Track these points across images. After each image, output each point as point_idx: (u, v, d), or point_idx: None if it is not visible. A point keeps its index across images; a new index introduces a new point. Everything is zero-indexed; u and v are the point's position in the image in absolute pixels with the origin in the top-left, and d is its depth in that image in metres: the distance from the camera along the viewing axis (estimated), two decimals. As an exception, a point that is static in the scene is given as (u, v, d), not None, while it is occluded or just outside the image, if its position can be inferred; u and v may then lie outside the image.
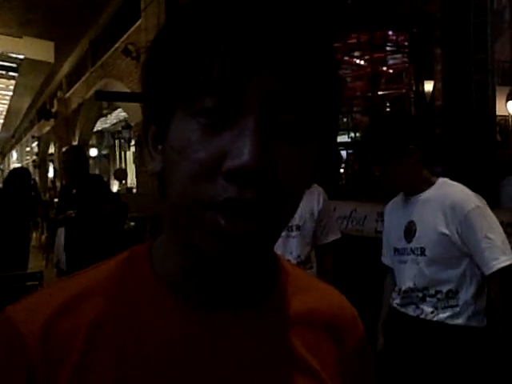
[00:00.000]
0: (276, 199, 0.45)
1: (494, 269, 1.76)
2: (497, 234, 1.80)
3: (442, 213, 1.85)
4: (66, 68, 15.75)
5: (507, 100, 5.21)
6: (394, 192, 2.10)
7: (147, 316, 0.50)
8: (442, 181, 1.95)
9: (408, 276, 1.95)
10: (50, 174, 19.31)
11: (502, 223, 1.92)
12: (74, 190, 4.32)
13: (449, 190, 1.89)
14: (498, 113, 3.40)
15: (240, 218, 0.44)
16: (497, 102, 3.27)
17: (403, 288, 1.97)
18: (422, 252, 1.91)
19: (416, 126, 2.07)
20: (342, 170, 6.53)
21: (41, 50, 13.22)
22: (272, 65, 0.44)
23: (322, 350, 0.56)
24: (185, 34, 0.46)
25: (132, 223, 7.26)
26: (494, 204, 2.71)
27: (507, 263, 1.76)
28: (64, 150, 5.37)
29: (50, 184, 18.48)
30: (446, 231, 1.84)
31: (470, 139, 3.05)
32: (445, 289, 1.87)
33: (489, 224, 1.81)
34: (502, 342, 1.81)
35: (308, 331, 0.56)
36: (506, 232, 1.89)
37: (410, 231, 1.95)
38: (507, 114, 5.42)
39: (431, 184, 1.93)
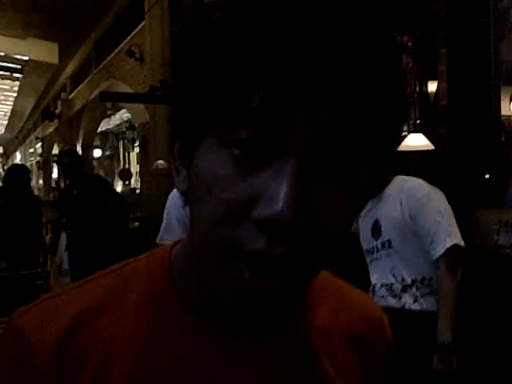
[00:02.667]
0: (310, 254, 0.40)
1: (443, 250, 1.85)
2: (445, 217, 1.90)
3: (398, 202, 1.99)
4: (69, 69, 15.78)
5: (511, 100, 5.20)
6: None
7: (165, 335, 0.47)
8: (399, 177, 2.08)
9: (386, 270, 2.05)
10: (54, 174, 19.34)
11: (506, 223, 1.95)
12: (75, 191, 4.34)
13: (404, 182, 2.04)
14: (502, 113, 3.40)
15: (267, 274, 0.39)
16: (501, 102, 3.27)
17: (384, 282, 2.05)
18: (389, 244, 2.03)
19: None
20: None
21: (45, 52, 13.26)
22: (327, 96, 0.37)
23: (347, 364, 0.53)
24: (226, 52, 0.39)
25: (136, 223, 7.27)
26: (499, 204, 2.72)
27: (452, 243, 1.85)
28: (59, 153, 5.43)
29: (54, 184, 18.51)
30: (402, 218, 1.97)
31: (475, 139, 3.05)
32: (419, 277, 1.97)
33: (437, 208, 1.92)
34: (444, 325, 1.82)
35: (336, 345, 0.53)
36: (510, 232, 1.93)
37: (375, 229, 2.09)
38: (511, 114, 5.41)
39: (389, 183, 2.06)
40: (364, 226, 2.16)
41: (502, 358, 2.43)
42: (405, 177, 2.08)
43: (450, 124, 3.46)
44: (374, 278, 2.10)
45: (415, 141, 3.21)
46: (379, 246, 2.07)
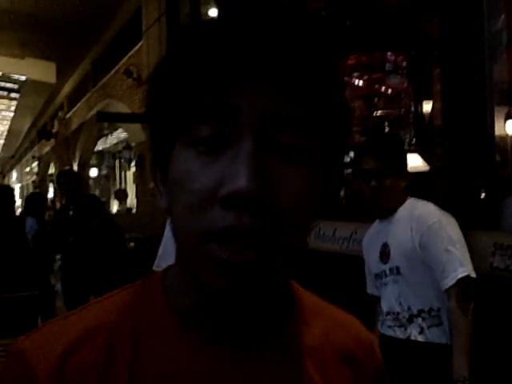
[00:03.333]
0: (276, 224, 0.43)
1: (454, 281, 1.78)
2: (457, 246, 1.82)
3: (409, 228, 1.90)
4: (67, 88, 15.87)
5: (506, 120, 5.23)
6: (372, 209, 2.11)
7: (161, 351, 0.48)
8: (411, 200, 1.99)
9: (392, 298, 1.97)
10: (50, 194, 19.30)
11: (501, 246, 1.92)
12: (71, 212, 4.33)
13: (415, 206, 1.95)
14: (496, 133, 3.41)
15: (238, 245, 0.42)
16: (495, 121, 3.27)
17: (391, 311, 1.97)
18: (398, 271, 1.94)
19: (396, 145, 2.10)
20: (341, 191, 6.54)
21: (43, 71, 13.34)
22: (267, 85, 0.43)
23: (339, 382, 0.54)
24: (178, 63, 0.46)
25: (132, 243, 7.23)
26: (495, 225, 2.70)
27: (464, 274, 1.78)
28: (58, 173, 5.41)
29: (49, 204, 18.47)
30: (412, 245, 1.88)
31: (470, 159, 3.05)
32: (426, 307, 1.88)
33: (449, 237, 1.83)
34: (460, 361, 1.75)
35: (326, 363, 0.54)
36: (506, 255, 1.89)
37: (384, 253, 1.99)
38: (506, 134, 5.44)
39: (402, 203, 1.98)
40: (372, 247, 2.06)
41: (498, 380, 2.40)
42: (417, 201, 1.99)
43: (445, 144, 3.46)
44: (383, 304, 2.03)
45: (411, 161, 3.20)
46: (387, 272, 1.98)
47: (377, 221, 2.09)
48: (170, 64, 0.47)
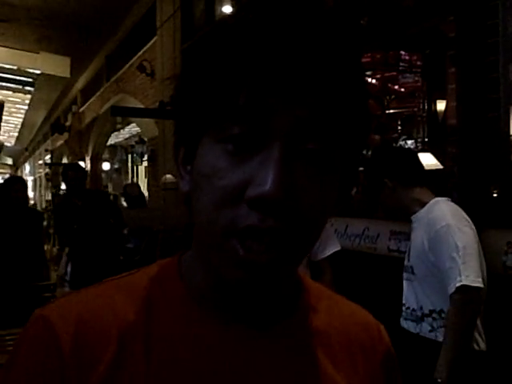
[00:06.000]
0: (297, 228, 0.46)
1: (454, 289, 1.79)
2: (461, 254, 1.81)
3: (423, 231, 1.94)
4: (81, 83, 15.96)
5: (520, 120, 5.19)
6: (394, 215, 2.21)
7: (176, 329, 0.51)
8: (434, 200, 2.00)
9: (409, 294, 2.04)
10: (63, 186, 19.44)
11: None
12: (80, 203, 4.35)
13: (432, 209, 1.96)
14: (511, 132, 3.40)
15: (260, 245, 0.44)
16: (510, 121, 3.27)
17: (408, 305, 2.04)
18: (412, 270, 2.00)
19: (390, 159, 2.15)
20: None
21: (57, 66, 13.42)
22: (300, 94, 0.44)
23: (348, 366, 0.56)
24: (214, 62, 0.47)
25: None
26: (508, 224, 2.70)
27: (461, 284, 1.78)
28: (64, 166, 5.38)
29: (62, 196, 18.58)
30: (423, 248, 1.92)
31: (483, 159, 3.05)
32: (437, 308, 1.91)
33: (455, 243, 1.82)
34: (443, 363, 1.78)
35: (334, 348, 0.56)
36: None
37: (409, 251, 2.06)
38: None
39: (424, 204, 2.00)
40: (409, 240, 2.15)
41: (507, 380, 2.41)
42: (439, 200, 1.99)
43: (459, 143, 3.47)
44: (404, 297, 2.09)
45: (424, 160, 3.21)
46: (408, 269, 2.05)
47: None
48: (208, 59, 0.48)
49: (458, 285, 1.78)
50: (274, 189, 0.43)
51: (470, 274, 1.78)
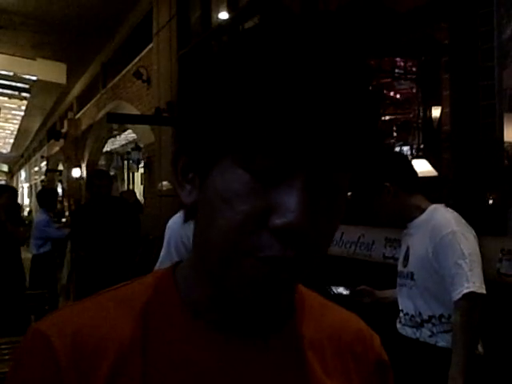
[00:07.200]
0: (313, 254, 0.48)
1: (460, 295, 1.79)
2: (467, 261, 1.82)
3: (425, 237, 1.93)
4: (77, 89, 15.96)
5: (515, 126, 5.21)
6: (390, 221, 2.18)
7: (174, 341, 0.51)
8: (433, 207, 2.01)
9: (407, 300, 2.03)
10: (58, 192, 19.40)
11: (509, 251, 1.92)
12: (101, 211, 4.28)
13: (434, 215, 1.97)
14: (505, 139, 3.41)
15: (278, 272, 0.46)
16: (504, 128, 3.28)
17: (405, 311, 2.03)
18: (412, 276, 1.99)
19: (391, 163, 2.15)
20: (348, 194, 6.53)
21: (53, 72, 13.43)
22: (326, 129, 0.45)
23: (340, 374, 0.56)
24: (249, 86, 0.45)
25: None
26: (502, 231, 2.71)
27: (468, 290, 1.78)
28: (92, 172, 5.26)
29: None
30: (426, 254, 1.91)
31: (478, 165, 3.05)
32: (437, 313, 1.92)
33: (461, 250, 1.83)
34: (456, 373, 1.78)
35: (326, 355, 0.57)
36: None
37: (406, 256, 2.05)
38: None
39: (423, 210, 2.01)
40: (401, 249, 2.15)
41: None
42: (438, 207, 2.01)
43: (453, 149, 3.47)
44: (400, 303, 2.08)
45: (419, 167, 3.22)
46: (405, 275, 2.04)
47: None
48: (237, 82, 0.46)
49: (465, 291, 1.78)
50: (300, 219, 0.44)
51: (476, 281, 1.80)
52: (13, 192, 5.12)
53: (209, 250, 0.49)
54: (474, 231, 1.93)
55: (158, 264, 2.44)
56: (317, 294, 0.64)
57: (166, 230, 2.45)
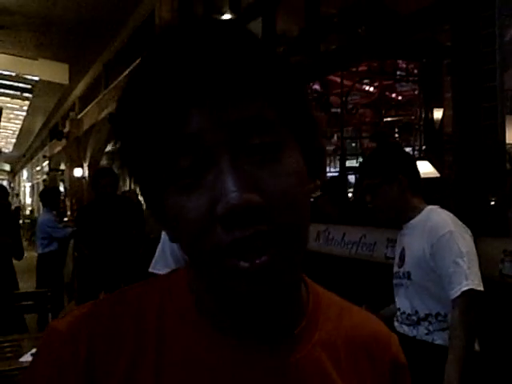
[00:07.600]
0: (281, 220, 0.45)
1: (459, 293, 1.81)
2: (465, 259, 1.85)
3: (422, 238, 1.96)
4: (79, 90, 15.97)
5: (516, 128, 5.21)
6: (386, 219, 2.19)
7: (186, 343, 0.51)
8: (429, 208, 2.04)
9: (403, 299, 2.05)
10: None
11: (511, 253, 1.94)
12: (108, 210, 4.25)
13: (430, 216, 1.99)
14: (507, 141, 3.42)
15: (254, 252, 0.44)
16: (506, 130, 3.29)
17: (402, 310, 2.06)
18: (409, 276, 2.02)
19: (405, 157, 2.20)
20: (350, 195, 6.55)
21: (56, 72, 13.44)
22: (217, 101, 0.44)
23: (354, 375, 0.56)
24: (135, 111, 0.50)
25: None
26: (504, 233, 2.72)
27: (467, 288, 1.80)
28: (97, 171, 5.19)
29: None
30: (423, 254, 1.94)
31: (480, 167, 3.06)
32: (434, 312, 1.94)
33: (459, 249, 1.86)
34: (452, 371, 1.79)
35: (341, 356, 0.56)
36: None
37: (401, 257, 2.08)
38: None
39: (419, 212, 2.03)
40: (396, 249, 2.17)
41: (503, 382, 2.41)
42: (434, 208, 2.03)
43: (455, 151, 3.48)
44: (397, 303, 2.12)
45: (421, 168, 3.23)
46: (401, 274, 2.07)
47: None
48: (127, 113, 0.51)
49: (464, 289, 1.81)
50: (238, 198, 0.42)
51: (474, 279, 1.83)
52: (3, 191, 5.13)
53: (192, 261, 0.50)
54: (469, 231, 1.96)
55: (153, 263, 2.43)
56: (335, 294, 0.62)
57: (163, 235, 2.45)
